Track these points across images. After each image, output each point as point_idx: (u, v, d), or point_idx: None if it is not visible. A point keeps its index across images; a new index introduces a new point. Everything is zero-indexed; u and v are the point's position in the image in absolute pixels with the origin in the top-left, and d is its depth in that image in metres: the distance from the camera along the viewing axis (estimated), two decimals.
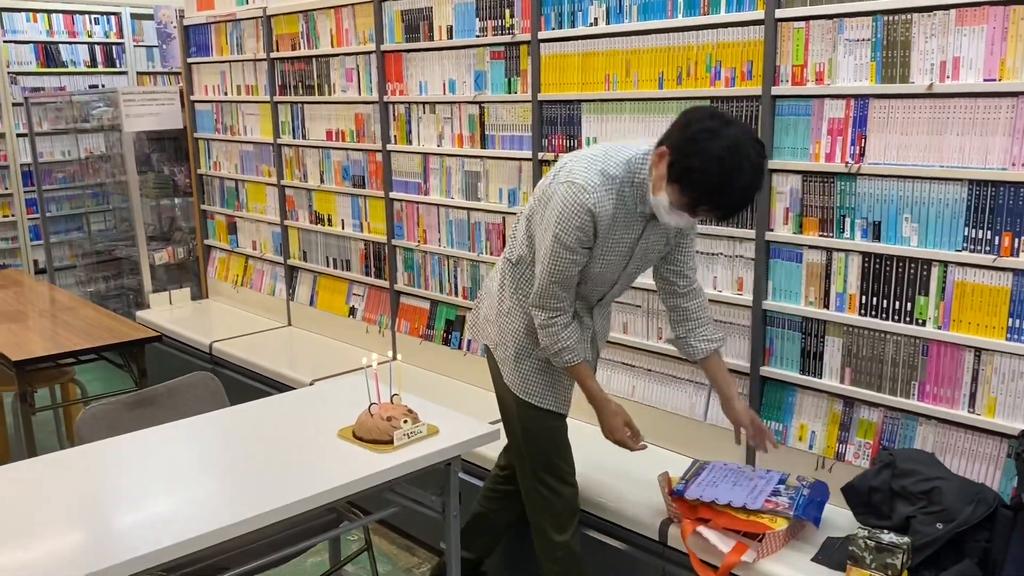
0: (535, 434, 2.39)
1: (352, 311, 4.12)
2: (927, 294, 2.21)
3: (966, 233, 2.12)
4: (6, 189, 6.60)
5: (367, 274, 3.98)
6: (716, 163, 1.90)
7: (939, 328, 2.20)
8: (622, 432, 2.31)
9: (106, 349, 3.24)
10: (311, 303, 4.35)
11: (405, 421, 2.16)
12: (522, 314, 2.33)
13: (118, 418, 2.39)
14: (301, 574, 2.98)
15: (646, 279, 2.45)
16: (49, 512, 1.81)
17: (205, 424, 2.34)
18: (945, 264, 2.17)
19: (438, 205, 3.53)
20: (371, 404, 2.20)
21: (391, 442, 2.12)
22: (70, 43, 6.82)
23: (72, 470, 2.05)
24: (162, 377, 2.66)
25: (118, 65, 7.05)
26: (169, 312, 4.86)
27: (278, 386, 3.75)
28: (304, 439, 2.22)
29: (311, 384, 3.55)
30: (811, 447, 2.49)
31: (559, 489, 2.39)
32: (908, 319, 2.25)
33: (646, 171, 2.09)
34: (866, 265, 2.31)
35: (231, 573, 2.00)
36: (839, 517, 2.29)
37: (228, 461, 2.11)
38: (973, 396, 2.17)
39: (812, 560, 2.15)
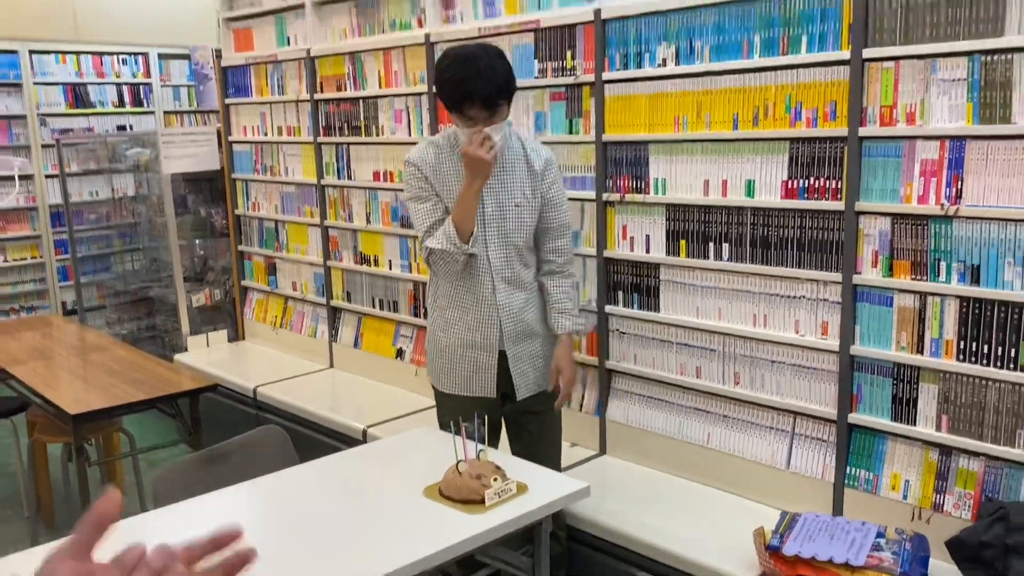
0: (441, 421, 2.66)
1: (400, 353, 4.05)
2: None
3: None
4: (35, 231, 6.57)
5: (416, 315, 3.92)
6: (436, 69, 2.39)
7: None
8: (474, 147, 2.36)
9: (162, 400, 3.17)
10: (355, 345, 4.28)
11: (495, 479, 2.09)
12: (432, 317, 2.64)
13: (192, 476, 2.32)
14: None
15: (711, 320, 2.38)
16: None
17: (282, 483, 2.27)
18: None
19: None
20: (459, 461, 2.13)
21: (482, 502, 2.05)
22: (98, 84, 6.82)
23: (154, 533, 1.97)
24: (208, 422, 2.59)
25: (145, 105, 7.05)
26: (207, 355, 4.79)
27: (326, 431, 3.68)
28: (389, 499, 2.14)
29: (364, 430, 3.48)
30: (905, 497, 2.41)
31: None
32: (1012, 365, 2.18)
33: (454, 128, 2.48)
34: (964, 310, 2.24)
35: None
36: (944, 573, 2.20)
37: (311, 524, 2.03)
38: None
39: None
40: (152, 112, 7.07)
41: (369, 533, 1.97)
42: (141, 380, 3.32)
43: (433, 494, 2.13)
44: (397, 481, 2.22)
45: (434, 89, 2.41)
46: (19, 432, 3.81)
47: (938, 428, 2.34)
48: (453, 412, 2.47)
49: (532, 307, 2.59)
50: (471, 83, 2.30)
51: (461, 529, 1.96)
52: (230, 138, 4.86)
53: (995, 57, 2.10)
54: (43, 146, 6.47)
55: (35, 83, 6.45)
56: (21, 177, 6.22)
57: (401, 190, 3.82)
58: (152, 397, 3.11)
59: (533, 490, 2.14)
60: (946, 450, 2.34)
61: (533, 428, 2.67)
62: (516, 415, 2.65)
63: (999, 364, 2.20)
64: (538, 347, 2.61)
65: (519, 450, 2.64)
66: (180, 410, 3.30)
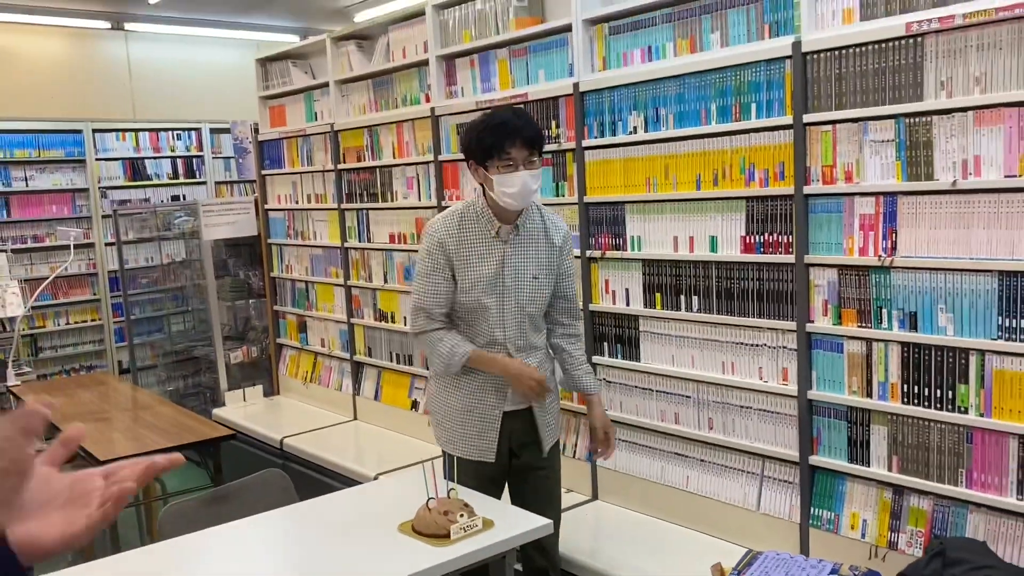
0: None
1: (415, 404, 4.27)
2: (967, 382, 2.25)
3: (1000, 322, 2.18)
4: (95, 294, 7.05)
5: (428, 368, 4.14)
6: (471, 128, 2.50)
7: (981, 415, 2.24)
8: (529, 381, 2.49)
9: (185, 448, 3.44)
10: (376, 397, 4.53)
11: (461, 515, 2.27)
12: (436, 386, 2.68)
13: (196, 514, 2.56)
14: None
15: (686, 368, 2.54)
16: None
17: (275, 520, 2.48)
18: (982, 353, 2.22)
19: None
20: (429, 499, 2.32)
21: (448, 536, 2.23)
22: (154, 158, 7.35)
23: (156, 564, 2.21)
24: (236, 471, 2.83)
25: (198, 176, 7.55)
26: (243, 409, 5.09)
27: (345, 480, 3.89)
28: (367, 534, 2.34)
29: (375, 477, 3.69)
30: (863, 536, 2.51)
31: None
32: (951, 407, 2.30)
33: (479, 197, 2.54)
34: (905, 354, 2.38)
35: None
36: None
37: (296, 555, 2.24)
38: (1021, 483, 2.19)
39: None
40: (204, 183, 7.56)
41: (346, 565, 2.17)
42: (171, 431, 3.61)
43: (406, 529, 2.32)
44: (378, 518, 2.42)
45: (467, 144, 2.51)
46: None
47: (890, 468, 2.45)
48: (465, 473, 2.55)
49: (544, 368, 2.61)
50: (513, 123, 2.41)
51: (426, 560, 2.14)
52: (266, 206, 5.23)
53: (917, 119, 2.27)
54: (103, 216, 6.98)
55: (97, 159, 7.00)
56: (81, 246, 6.71)
57: (413, 251, 4.09)
58: (176, 445, 3.37)
59: (498, 526, 2.31)
60: (898, 489, 2.45)
61: (539, 484, 2.68)
62: (523, 472, 2.66)
63: (939, 406, 2.32)
64: (551, 403, 2.66)
65: (524, 506, 2.61)
66: (204, 459, 3.56)
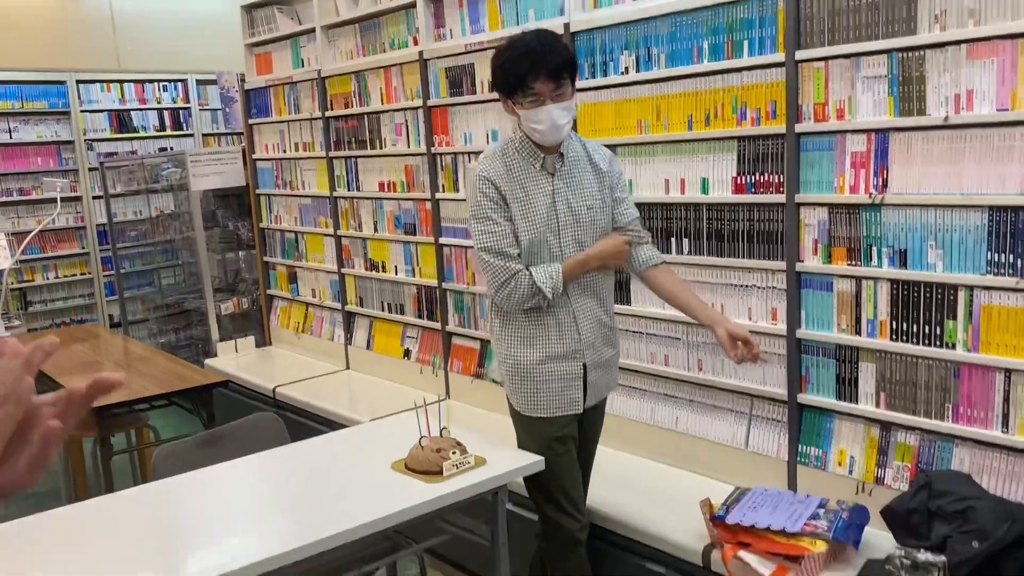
0: (530, 452, 2.42)
1: (407, 353, 4.28)
2: (955, 318, 2.27)
3: (989, 257, 2.18)
4: (83, 248, 7.01)
5: (420, 317, 4.15)
6: (495, 58, 2.31)
7: (969, 351, 2.25)
8: (619, 244, 2.39)
9: (177, 395, 3.45)
10: (368, 347, 4.54)
11: (454, 452, 2.29)
12: (507, 336, 2.43)
13: (189, 456, 2.57)
14: None
15: (675, 311, 2.53)
16: (127, 539, 1.98)
17: (268, 460, 2.50)
18: (971, 288, 2.23)
19: None
20: (421, 437, 2.34)
21: (441, 472, 2.25)
22: (141, 110, 7.25)
23: (147, 503, 2.22)
24: (229, 420, 2.84)
25: (185, 128, 7.47)
26: (235, 360, 5.10)
27: (338, 427, 3.91)
28: (360, 472, 2.36)
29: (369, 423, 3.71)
30: (851, 472, 2.54)
31: (556, 518, 2.45)
32: (938, 343, 2.31)
33: (515, 131, 2.38)
34: (895, 292, 2.38)
35: None
36: (880, 540, 2.33)
37: (290, 493, 2.26)
38: (1006, 417, 2.21)
39: None
40: (191, 135, 7.48)
41: (339, 499, 2.19)
42: (163, 379, 3.61)
43: (399, 467, 2.34)
44: (371, 457, 2.44)
45: (495, 76, 2.31)
46: None
47: (877, 405, 2.47)
48: (541, 435, 2.41)
49: (604, 312, 2.47)
50: (536, 54, 2.20)
51: (419, 496, 2.16)
52: (254, 156, 5.18)
53: (910, 54, 2.25)
54: (90, 169, 6.91)
55: (82, 111, 6.91)
56: (68, 199, 6.64)
57: (403, 199, 4.07)
58: (167, 392, 3.38)
59: (491, 463, 2.33)
60: (886, 426, 2.47)
61: (591, 432, 2.59)
62: (583, 423, 2.53)
63: (927, 342, 2.33)
64: (613, 353, 2.53)
65: (586, 465, 2.59)
66: (197, 407, 3.58)
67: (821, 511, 2.36)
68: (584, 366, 2.41)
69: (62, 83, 6.82)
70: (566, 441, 2.44)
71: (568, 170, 2.37)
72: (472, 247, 2.41)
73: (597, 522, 2.77)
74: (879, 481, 2.48)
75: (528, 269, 2.32)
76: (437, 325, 4.04)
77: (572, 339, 2.38)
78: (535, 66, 2.20)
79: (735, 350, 2.30)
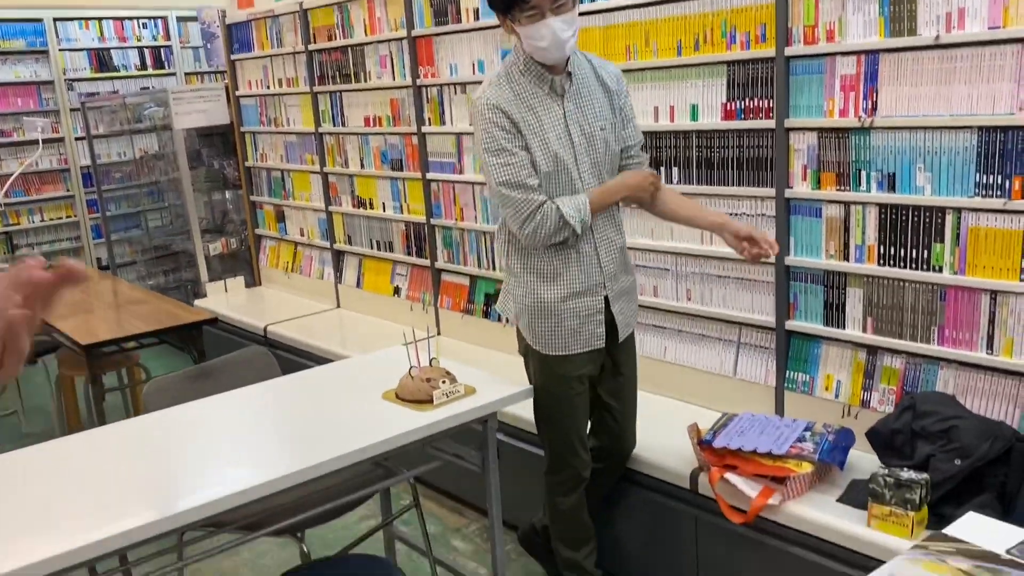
0: (547, 390, 2.41)
1: (397, 290, 4.28)
2: (942, 241, 2.27)
3: (977, 179, 2.17)
4: (68, 191, 6.93)
5: (409, 254, 4.14)
6: None
7: (955, 273, 2.26)
8: (645, 179, 2.31)
9: (166, 333, 3.45)
10: (358, 285, 4.53)
11: (444, 382, 2.30)
12: (522, 270, 2.35)
13: (180, 390, 2.57)
14: (356, 533, 3.14)
15: (665, 241, 2.54)
16: (119, 469, 1.99)
17: (259, 392, 2.51)
18: (959, 211, 2.23)
19: (473, 183, 3.66)
20: (411, 368, 2.35)
21: (431, 401, 2.27)
22: (121, 48, 7.11)
23: (139, 435, 2.24)
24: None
25: (167, 67, 7.33)
26: (225, 300, 5.09)
27: (328, 362, 3.93)
28: (351, 402, 2.37)
29: None
30: (837, 396, 2.57)
31: (565, 456, 2.45)
32: (925, 266, 2.32)
33: (517, 54, 2.24)
34: (883, 216, 2.38)
35: (291, 520, 2.16)
36: (865, 461, 2.36)
37: (282, 423, 2.28)
38: (991, 338, 2.23)
39: (837, 501, 2.24)
40: (174, 74, 7.34)
41: (330, 428, 2.20)
42: (152, 318, 3.60)
43: (390, 397, 2.35)
44: (361, 388, 2.45)
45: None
46: (50, 371, 4.15)
47: (864, 330, 2.49)
48: (559, 373, 2.37)
49: (620, 236, 2.40)
50: None
51: (409, 423, 2.18)
52: (237, 93, 5.09)
53: None
54: (71, 110, 6.79)
55: (60, 49, 6.76)
56: (50, 140, 6.55)
57: (389, 134, 4.02)
58: (156, 329, 3.38)
59: (480, 392, 2.35)
60: (872, 350, 2.49)
61: (627, 371, 2.51)
62: (616, 358, 2.46)
63: (914, 266, 2.34)
64: (631, 281, 2.47)
65: (623, 399, 2.53)
66: (188, 344, 3.58)
67: (807, 434, 2.39)
68: (606, 299, 2.35)
69: (39, 21, 6.65)
70: (584, 380, 2.40)
71: (577, 90, 2.26)
72: (485, 183, 2.30)
73: None
74: (865, 404, 2.50)
75: (554, 201, 2.22)
76: (426, 262, 4.03)
77: (595, 272, 2.32)
78: None
79: (744, 250, 2.25)
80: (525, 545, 2.83)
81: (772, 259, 2.44)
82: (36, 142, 5.49)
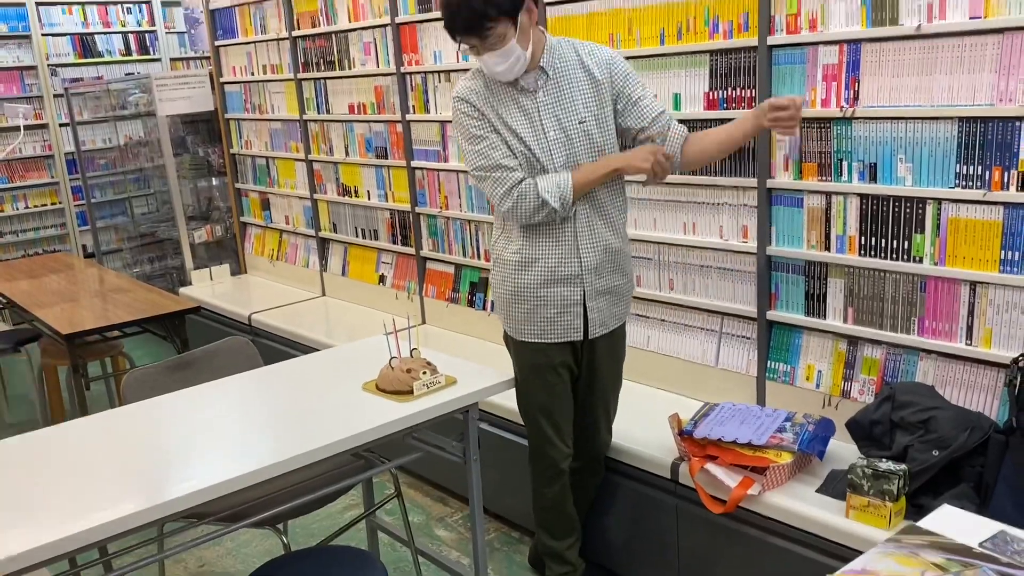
0: (524, 378, 2.42)
1: (382, 279, 4.27)
2: (923, 231, 2.27)
3: (958, 170, 2.17)
4: (52, 177, 6.87)
5: (394, 242, 4.12)
6: None
7: (935, 264, 2.26)
8: (648, 156, 2.23)
9: (149, 322, 3.43)
10: (343, 273, 4.52)
11: (424, 372, 2.30)
12: (505, 257, 2.37)
13: (161, 380, 2.57)
14: (341, 523, 3.15)
15: (648, 231, 2.52)
16: (101, 459, 1.98)
17: (241, 382, 2.50)
18: (939, 201, 2.23)
19: (458, 171, 3.64)
20: (392, 358, 2.34)
21: (411, 392, 2.26)
22: (105, 33, 7.03)
23: (119, 426, 2.22)
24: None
25: (152, 52, 7.26)
26: (210, 288, 5.07)
27: (312, 351, 3.92)
28: (331, 393, 2.36)
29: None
30: (818, 386, 2.58)
31: (541, 446, 2.47)
32: (906, 257, 2.32)
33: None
34: (864, 207, 2.38)
35: (271, 512, 2.16)
36: (844, 451, 2.37)
37: (262, 414, 2.27)
38: (970, 329, 2.24)
39: (816, 491, 2.25)
40: (159, 59, 7.28)
41: (310, 419, 2.19)
42: (136, 306, 3.59)
43: (370, 388, 2.34)
44: (341, 379, 2.44)
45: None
46: (34, 361, 4.13)
47: (845, 320, 2.49)
48: (533, 361, 2.39)
49: (613, 235, 2.36)
50: (445, 18, 2.17)
51: (390, 414, 2.17)
52: (221, 79, 5.05)
53: None
54: (55, 96, 6.73)
55: (43, 34, 6.68)
56: (33, 126, 6.48)
57: (374, 121, 4.00)
58: (140, 318, 3.36)
59: (461, 383, 2.34)
60: (853, 340, 2.50)
61: (604, 371, 2.48)
62: (592, 356, 2.44)
63: (895, 256, 2.34)
64: (622, 282, 2.43)
65: (593, 398, 2.51)
66: (171, 333, 3.56)
67: (787, 424, 2.40)
68: (583, 292, 2.34)
69: (22, 5, 6.58)
70: (562, 372, 2.41)
71: (555, 83, 2.26)
72: (468, 170, 2.33)
73: None
74: (845, 394, 2.51)
75: (533, 179, 2.24)
76: (411, 250, 4.02)
77: (572, 262, 2.31)
78: (449, 30, 2.19)
79: (777, 121, 2.18)
80: (534, 563, 2.84)
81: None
82: (18, 128, 5.44)
